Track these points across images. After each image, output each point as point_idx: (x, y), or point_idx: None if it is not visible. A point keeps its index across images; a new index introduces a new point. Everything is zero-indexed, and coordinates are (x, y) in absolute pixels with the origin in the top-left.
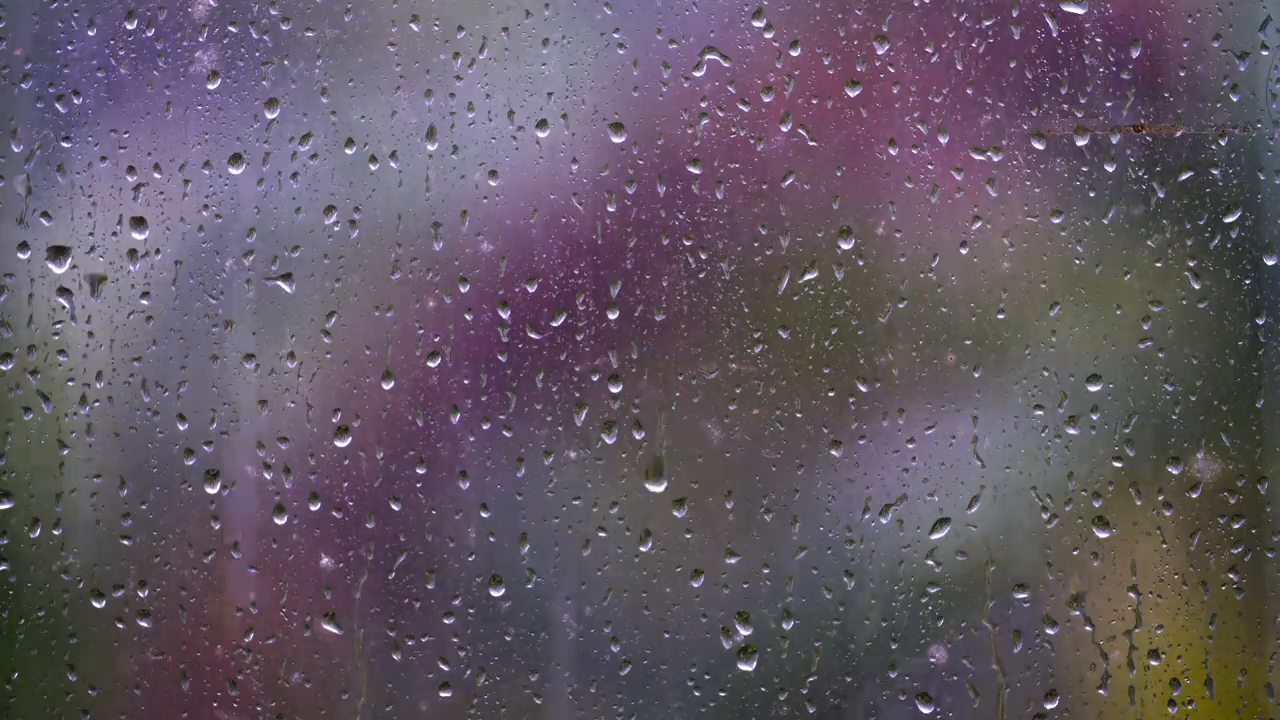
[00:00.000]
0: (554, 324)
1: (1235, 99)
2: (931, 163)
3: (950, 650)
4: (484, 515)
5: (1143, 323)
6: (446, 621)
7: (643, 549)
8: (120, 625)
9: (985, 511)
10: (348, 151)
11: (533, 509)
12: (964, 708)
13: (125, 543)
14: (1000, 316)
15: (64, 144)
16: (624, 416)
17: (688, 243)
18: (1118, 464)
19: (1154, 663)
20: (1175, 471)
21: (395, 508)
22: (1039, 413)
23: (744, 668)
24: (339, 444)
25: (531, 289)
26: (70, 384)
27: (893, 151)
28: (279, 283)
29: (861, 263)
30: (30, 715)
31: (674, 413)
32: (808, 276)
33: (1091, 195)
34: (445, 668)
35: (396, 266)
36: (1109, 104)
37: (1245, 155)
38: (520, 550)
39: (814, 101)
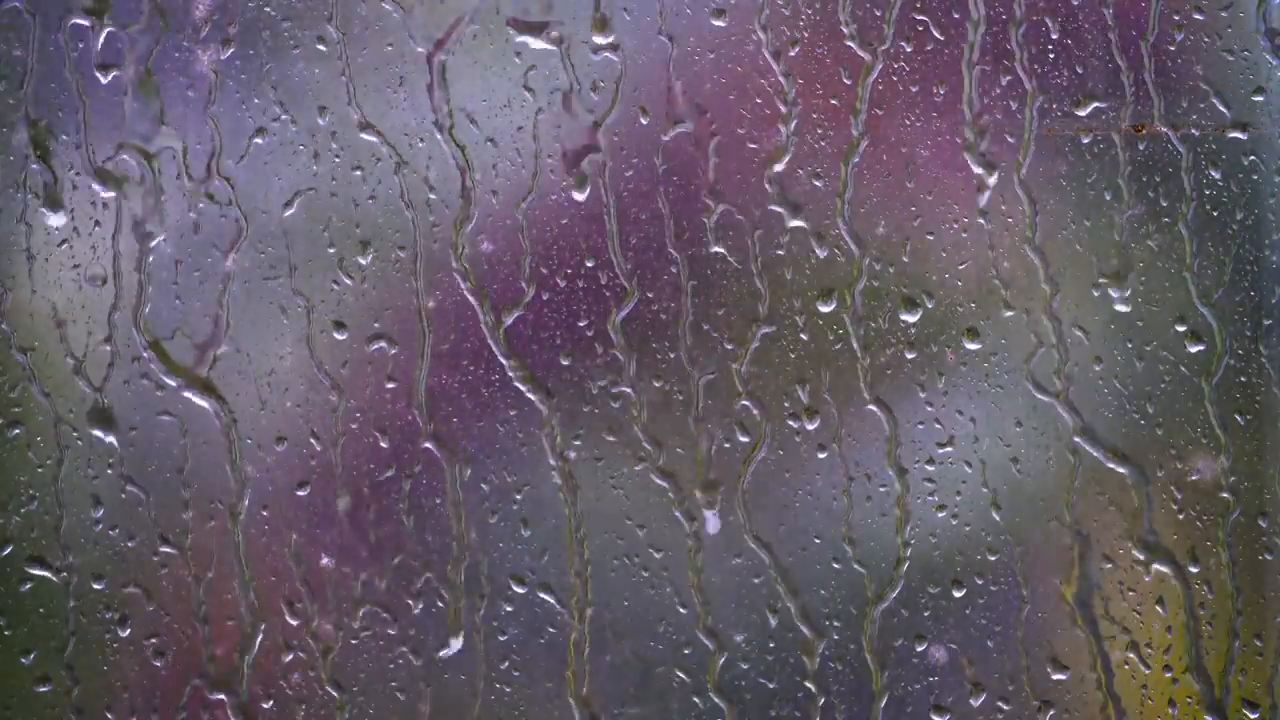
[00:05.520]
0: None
1: (1236, 98)
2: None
3: None
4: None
5: (1139, 322)
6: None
7: None
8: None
9: None
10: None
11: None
12: None
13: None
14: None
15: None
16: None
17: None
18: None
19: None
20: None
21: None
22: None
23: None
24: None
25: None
26: None
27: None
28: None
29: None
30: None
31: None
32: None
33: (1092, 195)
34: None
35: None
36: (1108, 104)
37: (1245, 155)
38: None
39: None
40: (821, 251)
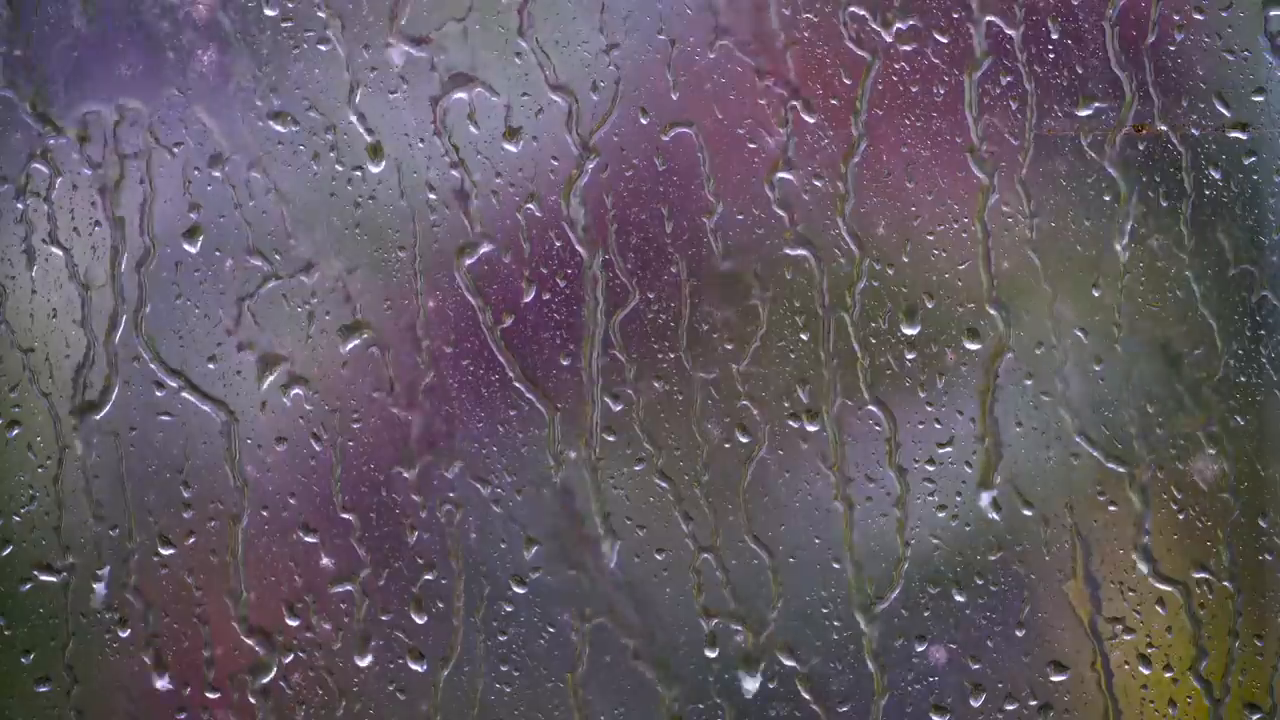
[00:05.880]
0: None
1: (1236, 98)
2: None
3: None
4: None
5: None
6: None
7: None
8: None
9: None
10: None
11: None
12: None
13: None
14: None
15: None
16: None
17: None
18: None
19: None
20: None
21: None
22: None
23: None
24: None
25: None
26: None
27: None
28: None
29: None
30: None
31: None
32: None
33: (1092, 195)
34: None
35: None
36: (1109, 104)
37: (1245, 155)
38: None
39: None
40: (817, 264)
